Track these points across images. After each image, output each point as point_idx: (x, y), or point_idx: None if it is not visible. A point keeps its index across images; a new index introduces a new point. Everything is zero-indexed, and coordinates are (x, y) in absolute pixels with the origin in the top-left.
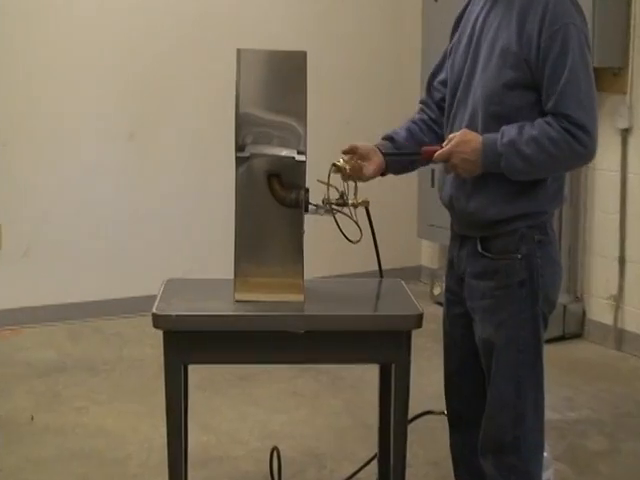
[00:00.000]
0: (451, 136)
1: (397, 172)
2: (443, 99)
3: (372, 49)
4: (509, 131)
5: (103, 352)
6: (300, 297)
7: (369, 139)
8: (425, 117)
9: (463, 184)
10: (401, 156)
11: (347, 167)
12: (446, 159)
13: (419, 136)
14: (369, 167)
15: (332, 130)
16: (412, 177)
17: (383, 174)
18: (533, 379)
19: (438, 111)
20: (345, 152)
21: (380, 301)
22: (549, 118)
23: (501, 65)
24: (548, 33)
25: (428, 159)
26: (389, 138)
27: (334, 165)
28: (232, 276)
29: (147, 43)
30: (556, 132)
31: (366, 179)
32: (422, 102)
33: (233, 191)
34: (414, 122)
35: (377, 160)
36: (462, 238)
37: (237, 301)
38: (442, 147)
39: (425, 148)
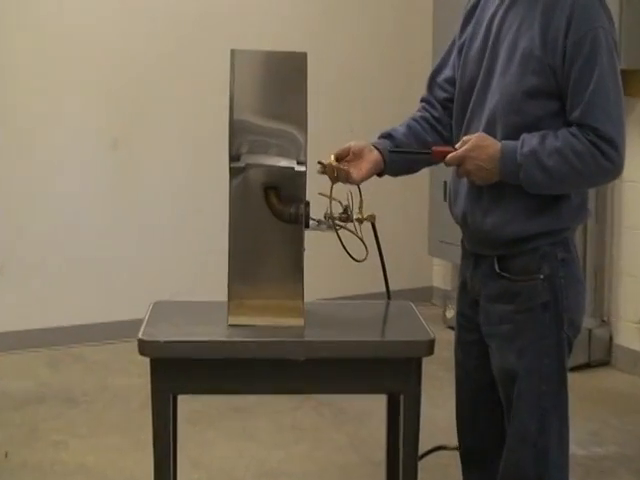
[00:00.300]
0: (466, 138)
1: (396, 173)
2: (448, 99)
3: (379, 51)
4: (530, 140)
5: (84, 382)
6: (300, 321)
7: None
8: (427, 115)
9: (479, 198)
10: (407, 154)
11: (333, 162)
12: (459, 163)
13: (421, 134)
14: (361, 167)
15: (335, 138)
16: (423, 189)
17: (380, 174)
18: (557, 411)
19: (442, 110)
20: (337, 158)
21: (388, 325)
22: (574, 129)
23: (522, 70)
24: (575, 37)
25: (439, 160)
26: (387, 136)
27: (319, 163)
28: (225, 298)
29: (135, 46)
30: (581, 144)
31: (357, 181)
32: (424, 100)
33: (227, 205)
34: (415, 120)
35: (371, 158)
36: (476, 257)
37: (231, 325)
38: (455, 149)
39: (436, 148)
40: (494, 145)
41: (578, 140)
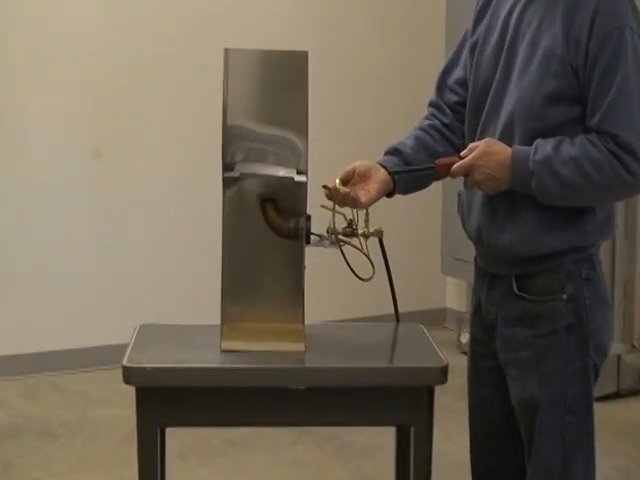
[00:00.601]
0: (473, 145)
1: (407, 191)
2: (460, 102)
3: (386, 49)
4: (544, 147)
5: (63, 413)
6: (300, 346)
7: (382, 153)
8: (436, 123)
9: (495, 211)
10: (411, 172)
11: (339, 187)
12: (466, 173)
13: (431, 146)
14: (369, 188)
15: (339, 145)
16: (435, 201)
17: (389, 195)
18: (583, 445)
19: (453, 116)
20: (342, 181)
21: (396, 351)
22: (593, 136)
23: (543, 72)
24: (599, 36)
25: (444, 173)
26: (394, 151)
27: (325, 188)
28: (218, 321)
29: (123, 47)
30: (600, 153)
31: (366, 205)
32: (432, 105)
33: (219, 218)
34: (423, 129)
35: (379, 178)
36: (492, 276)
37: (224, 351)
38: (461, 158)
39: (440, 161)
40: (504, 151)
41: (596, 148)
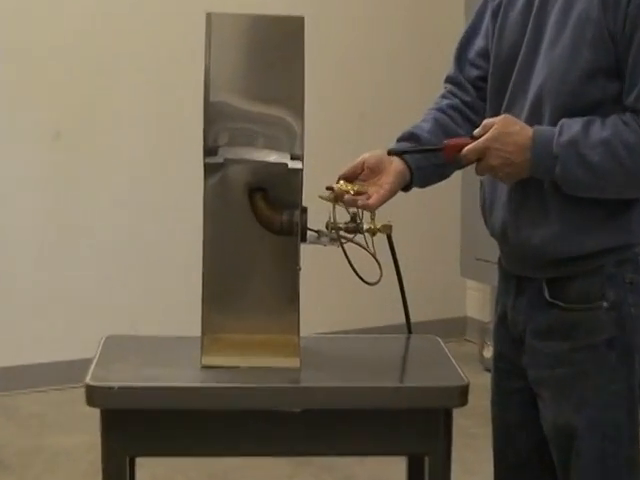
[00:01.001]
0: (487, 122)
1: (426, 182)
2: (482, 77)
3: (396, 18)
4: (570, 127)
5: (16, 440)
6: (295, 362)
7: (390, 138)
8: (456, 102)
9: (523, 204)
10: (416, 153)
11: (351, 189)
12: (479, 157)
13: (452, 129)
14: (381, 184)
15: (341, 126)
16: (453, 191)
17: (406, 188)
18: (626, 477)
19: (475, 93)
20: (346, 178)
21: (408, 367)
22: (628, 116)
23: (577, 39)
24: None
25: (453, 157)
26: (410, 137)
27: (329, 189)
28: (198, 332)
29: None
30: (635, 136)
31: (376, 205)
32: (450, 81)
33: (200, 211)
34: (441, 110)
35: (394, 170)
36: (519, 281)
37: (205, 367)
38: (474, 138)
39: (449, 142)
40: (524, 131)
41: (630, 130)
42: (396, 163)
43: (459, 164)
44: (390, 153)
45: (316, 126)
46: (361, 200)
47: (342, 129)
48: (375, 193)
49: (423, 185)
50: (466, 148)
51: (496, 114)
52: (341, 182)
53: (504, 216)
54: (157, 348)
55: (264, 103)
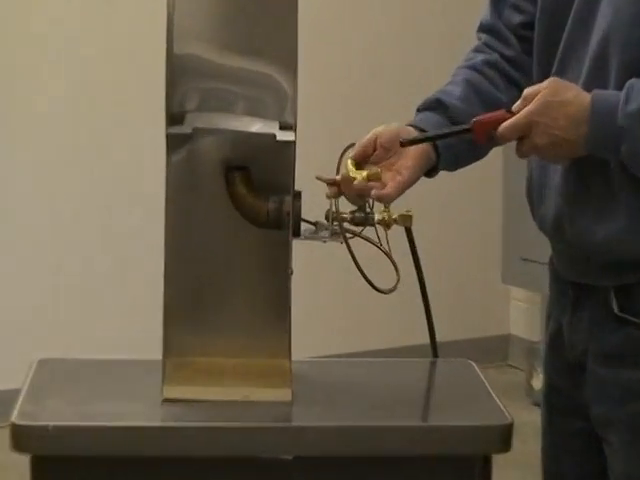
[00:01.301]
0: (528, 92)
1: (455, 164)
2: (526, 24)
3: None
4: None
5: None
6: (285, 394)
7: (409, 101)
8: (494, 57)
9: (582, 193)
10: (437, 140)
11: (361, 176)
12: (521, 135)
13: (490, 93)
14: (400, 168)
15: (345, 85)
16: (492, 173)
17: (430, 173)
18: None
19: (519, 45)
20: (358, 161)
21: (433, 402)
22: None
23: None
24: None
25: (486, 137)
26: (435, 105)
27: (331, 184)
28: (158, 355)
29: None
30: None
31: (393, 196)
32: (486, 29)
33: (161, 197)
34: (475, 69)
35: (415, 150)
36: (578, 289)
37: (167, 401)
38: (511, 112)
39: (480, 119)
40: (579, 99)
41: None
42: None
43: (496, 143)
44: (404, 144)
45: (313, 85)
46: (375, 189)
47: (347, 88)
48: (391, 180)
49: (453, 168)
50: (503, 125)
51: (546, 75)
52: (349, 164)
53: (558, 205)
54: (104, 375)
55: (245, 56)
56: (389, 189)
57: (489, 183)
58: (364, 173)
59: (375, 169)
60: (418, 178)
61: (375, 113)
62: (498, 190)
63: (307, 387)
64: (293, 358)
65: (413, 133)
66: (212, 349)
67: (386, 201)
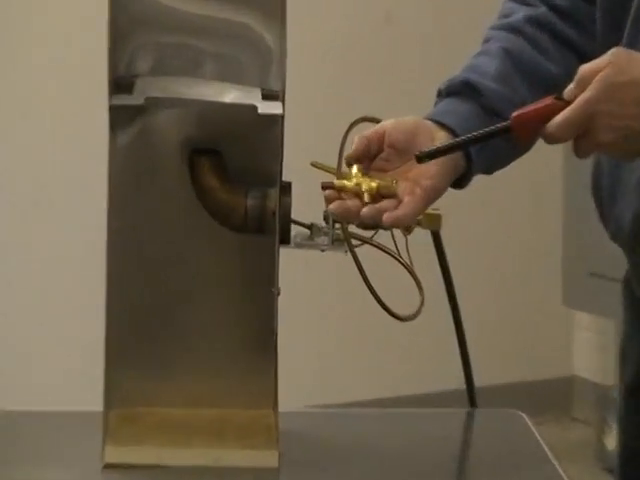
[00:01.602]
0: (584, 70)
1: (490, 167)
2: None
3: None
4: None
5: None
6: (270, 457)
7: (431, 61)
8: (541, 12)
9: None
10: (462, 149)
11: (367, 187)
12: (578, 128)
13: (537, 65)
14: (419, 179)
15: (353, 38)
16: (549, 168)
17: (460, 183)
18: None
19: None
20: (356, 157)
21: (471, 467)
22: None
23: None
24: None
25: (530, 138)
26: (465, 89)
27: (327, 188)
28: (98, 406)
29: None
30: None
31: (411, 217)
32: None
33: (103, 191)
34: (516, 30)
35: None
36: None
37: (109, 467)
38: (564, 101)
39: (519, 113)
40: None
41: None
42: (440, 137)
43: (527, 142)
44: (421, 160)
45: (309, 39)
46: (388, 212)
47: (355, 42)
48: (408, 194)
49: (488, 171)
50: (553, 122)
51: (614, 42)
52: (354, 168)
53: (636, 208)
54: (32, 432)
55: (217, 2)
56: (406, 208)
57: (545, 174)
58: (373, 183)
59: (388, 179)
60: (444, 190)
61: (387, 80)
62: (557, 188)
63: (299, 448)
64: (281, 408)
65: (434, 132)
66: (170, 397)
67: (403, 225)
